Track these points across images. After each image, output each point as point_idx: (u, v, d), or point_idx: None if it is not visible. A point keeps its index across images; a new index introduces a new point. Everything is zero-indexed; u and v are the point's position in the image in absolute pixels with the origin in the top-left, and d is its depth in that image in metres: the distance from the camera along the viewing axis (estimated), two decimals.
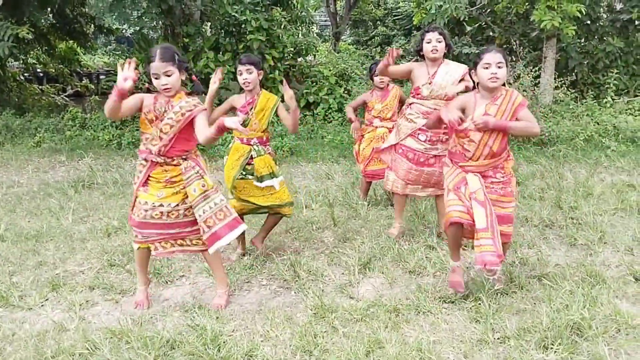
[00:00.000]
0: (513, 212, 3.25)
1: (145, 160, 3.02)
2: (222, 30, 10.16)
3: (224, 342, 2.76)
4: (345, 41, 24.76)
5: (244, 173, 3.73)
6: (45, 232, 4.41)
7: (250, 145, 3.74)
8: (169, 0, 9.24)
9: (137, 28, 10.00)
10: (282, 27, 10.53)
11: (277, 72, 9.89)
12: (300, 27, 11.49)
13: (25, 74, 14.01)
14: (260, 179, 3.75)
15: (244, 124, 3.50)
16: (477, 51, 9.66)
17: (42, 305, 3.25)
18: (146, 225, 3.03)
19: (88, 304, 3.27)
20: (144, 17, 9.75)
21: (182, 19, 10.07)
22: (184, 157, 3.03)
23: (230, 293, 3.36)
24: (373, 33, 24.63)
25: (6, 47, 8.23)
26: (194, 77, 3.15)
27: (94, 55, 18.71)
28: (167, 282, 3.58)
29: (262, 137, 3.76)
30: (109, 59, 17.73)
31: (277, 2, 11.10)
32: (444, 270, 3.62)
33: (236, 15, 9.66)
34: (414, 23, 12.51)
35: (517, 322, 2.91)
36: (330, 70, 10.13)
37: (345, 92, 10.01)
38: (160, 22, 10.00)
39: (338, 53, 15.73)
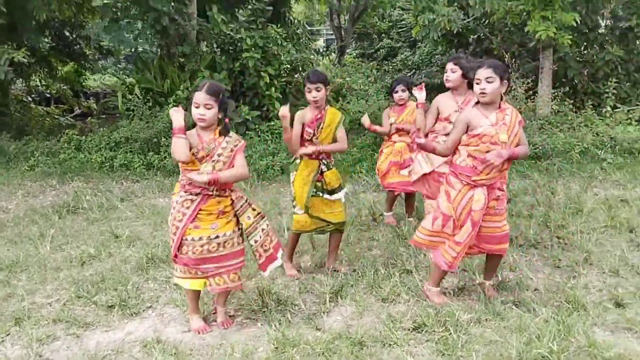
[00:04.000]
0: (508, 229, 3.37)
1: (197, 194, 3.07)
2: (218, 49, 10.18)
3: None
4: (350, 54, 24.79)
5: (314, 190, 3.84)
6: (21, 261, 4.36)
7: (319, 160, 3.83)
8: (162, 21, 9.29)
9: (133, 49, 10.05)
10: (279, 44, 10.52)
11: (273, 89, 9.85)
12: (296, 44, 11.47)
13: (33, 96, 14.19)
14: (332, 192, 3.90)
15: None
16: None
17: (2, 341, 3.19)
18: (204, 261, 3.11)
19: (49, 339, 3.19)
20: (139, 38, 9.82)
21: (178, 39, 10.11)
22: (232, 188, 3.20)
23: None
24: (378, 46, 24.63)
25: (2, 71, 8.29)
26: (227, 119, 3.16)
27: (104, 75, 18.92)
28: (132, 314, 3.49)
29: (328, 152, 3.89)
30: (110, 78, 17.92)
31: (273, 20, 11.10)
32: (418, 296, 3.50)
33: (231, 33, 9.67)
34: (413, 35, 12.46)
35: (484, 356, 2.78)
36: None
37: (341, 108, 9.94)
38: (155, 42, 10.05)
39: (343, 67, 15.71)
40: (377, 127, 5.06)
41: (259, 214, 3.30)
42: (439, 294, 3.45)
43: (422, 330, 3.08)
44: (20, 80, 12.76)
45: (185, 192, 3.12)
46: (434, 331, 3.06)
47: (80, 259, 4.38)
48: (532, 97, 8.42)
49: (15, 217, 5.70)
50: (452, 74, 4.11)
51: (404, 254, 4.22)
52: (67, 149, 8.50)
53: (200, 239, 3.08)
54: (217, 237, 3.11)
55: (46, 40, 10.71)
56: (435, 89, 10.28)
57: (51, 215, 5.66)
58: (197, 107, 3.03)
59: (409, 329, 3.11)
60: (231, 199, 3.18)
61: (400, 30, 22.63)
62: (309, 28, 30.35)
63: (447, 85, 4.19)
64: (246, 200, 3.27)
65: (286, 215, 5.33)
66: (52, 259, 4.45)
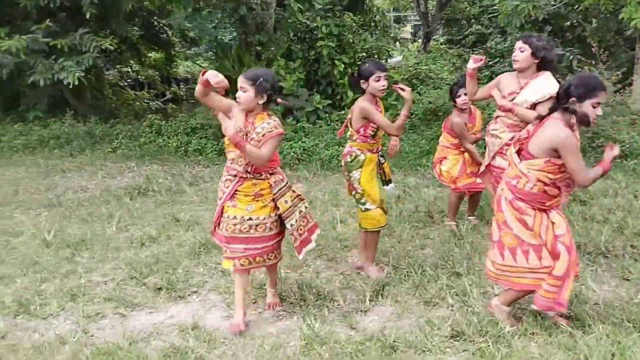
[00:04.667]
0: None
1: (234, 176, 3.15)
2: (295, 38, 10.24)
3: None
4: (437, 41, 24.05)
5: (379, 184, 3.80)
6: (87, 240, 4.65)
7: (377, 153, 3.80)
8: (240, 10, 9.47)
9: (212, 38, 10.34)
10: (354, 32, 10.40)
11: (347, 77, 9.76)
12: (374, 31, 11.27)
13: (128, 81, 15.08)
14: (387, 182, 3.86)
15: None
16: (562, 52, 8.91)
17: (56, 315, 3.41)
18: (234, 240, 3.16)
19: (97, 317, 3.38)
20: (218, 27, 10.08)
21: (255, 28, 10.28)
22: (271, 172, 3.19)
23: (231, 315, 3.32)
24: (467, 32, 23.66)
25: (91, 57, 8.83)
26: (279, 100, 3.26)
27: (195, 62, 19.69)
28: (178, 298, 3.61)
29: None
30: (208, 64, 18.59)
31: (351, 7, 10.97)
32: (463, 301, 3.32)
33: (307, 22, 9.68)
34: (499, 23, 11.79)
35: None
36: (400, 75, 9.83)
37: (415, 98, 9.66)
38: (234, 31, 10.27)
39: (428, 53, 15.27)
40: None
41: (297, 196, 3.30)
42: (509, 314, 3.08)
43: (461, 339, 2.92)
44: (107, 67, 13.58)
45: (227, 172, 3.21)
46: (473, 341, 2.89)
47: (140, 241, 4.59)
48: (624, 90, 7.69)
49: (91, 197, 6.08)
50: (521, 53, 3.71)
51: (457, 255, 4.02)
52: (148, 133, 8.92)
53: (235, 217, 3.14)
54: (250, 219, 3.14)
55: (135, 29, 11.26)
56: None
57: (123, 196, 5.98)
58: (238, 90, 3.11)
59: (446, 336, 2.96)
60: (269, 183, 3.17)
61: (491, 15, 21.53)
62: (394, 14, 29.75)
63: (515, 66, 3.79)
64: (286, 184, 3.26)
65: (343, 208, 5.27)
66: (115, 239, 4.70)
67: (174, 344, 2.97)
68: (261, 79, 3.05)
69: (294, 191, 3.29)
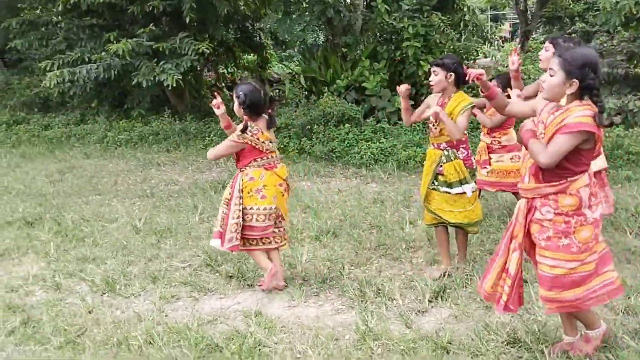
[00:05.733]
0: (565, 274, 2.52)
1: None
2: (381, 39, 10.28)
3: (258, 354, 2.88)
4: (536, 40, 22.95)
5: (435, 183, 3.74)
6: (172, 228, 5.02)
7: (441, 150, 3.73)
8: (328, 12, 9.68)
9: (299, 41, 10.65)
10: (442, 32, 10.24)
11: None
12: (464, 31, 11.02)
13: (225, 82, 15.93)
14: (450, 185, 3.71)
15: None
16: None
17: (138, 295, 3.75)
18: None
19: (173, 299, 3.67)
20: (306, 30, 10.38)
21: (342, 30, 10.45)
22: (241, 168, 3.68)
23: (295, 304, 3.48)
24: (570, 30, 22.33)
25: (189, 60, 9.45)
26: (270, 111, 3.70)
27: (290, 63, 20.38)
28: (247, 286, 3.83)
29: (451, 141, 3.68)
30: (296, 66, 19.21)
31: (440, 7, 10.81)
32: (525, 309, 3.23)
33: (394, 22, 9.69)
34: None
35: None
36: (488, 76, 9.53)
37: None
38: (321, 34, 10.52)
39: (526, 53, 14.68)
40: None
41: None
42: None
43: (517, 346, 2.86)
44: (208, 69, 14.36)
45: None
46: (529, 348, 2.82)
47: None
48: None
49: (180, 189, 6.54)
50: (545, 52, 3.77)
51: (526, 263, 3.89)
52: None
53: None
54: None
55: (230, 32, 11.87)
56: (616, 81, 9.11)
57: (208, 190, 6.37)
58: None
59: (502, 342, 2.91)
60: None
61: (597, 12, 20.20)
62: (492, 13, 28.72)
63: (540, 65, 3.81)
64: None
65: (414, 209, 5.27)
66: (197, 228, 5.04)
67: (237, 328, 3.18)
68: (241, 94, 3.51)
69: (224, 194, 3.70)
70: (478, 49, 10.43)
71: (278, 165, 3.70)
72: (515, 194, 4.74)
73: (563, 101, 2.55)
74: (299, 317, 3.36)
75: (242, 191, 3.57)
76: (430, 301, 3.43)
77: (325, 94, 9.18)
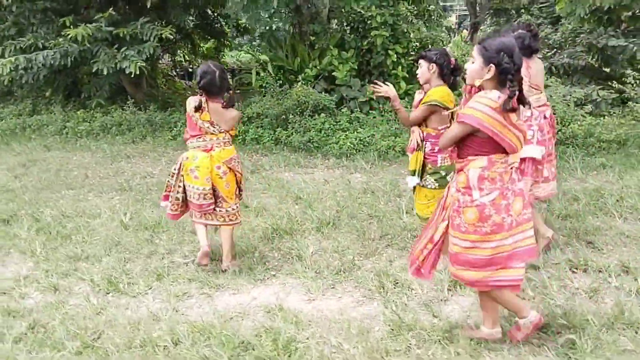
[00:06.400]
0: (460, 252, 2.65)
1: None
2: (348, 27, 10.24)
3: (295, 349, 2.81)
4: (484, 31, 23.62)
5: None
6: (162, 223, 4.82)
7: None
8: None
9: (267, 27, 10.44)
10: (409, 21, 10.33)
11: (400, 67, 9.73)
12: (428, 21, 11.17)
13: (177, 70, 15.40)
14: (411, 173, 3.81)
15: None
16: (625, 43, 8.62)
17: (145, 294, 3.57)
18: None
19: (184, 296, 3.52)
20: (273, 17, 10.18)
21: (310, 18, 10.33)
22: None
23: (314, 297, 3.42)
24: (515, 22, 23.13)
25: (151, 47, 9.05)
26: (231, 92, 3.82)
27: (240, 52, 19.96)
28: (257, 281, 3.72)
29: (428, 132, 3.73)
30: (251, 57, 18.90)
31: None
32: (544, 294, 3.32)
33: (362, 11, 9.66)
34: (558, 10, 11.48)
35: None
36: None
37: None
38: (288, 21, 10.35)
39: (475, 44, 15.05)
40: None
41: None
42: None
43: (547, 331, 2.92)
44: (167, 55, 13.85)
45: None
46: (560, 332, 2.89)
47: (214, 225, 4.72)
48: None
49: (158, 182, 6.28)
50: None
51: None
52: None
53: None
54: None
55: (190, 18, 11.48)
56: (578, 71, 9.49)
57: None
58: None
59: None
60: None
61: (541, 5, 21.02)
62: (441, 4, 29.28)
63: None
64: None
65: (405, 198, 5.29)
66: (189, 222, 4.84)
67: (263, 324, 3.08)
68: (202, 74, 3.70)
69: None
70: (443, 40, 10.56)
71: (216, 149, 3.76)
72: None
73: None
74: (321, 311, 3.29)
75: (180, 168, 3.81)
76: (449, 290, 3.45)
77: (299, 83, 9.05)
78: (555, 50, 13.08)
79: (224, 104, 3.73)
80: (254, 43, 14.91)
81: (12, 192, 5.83)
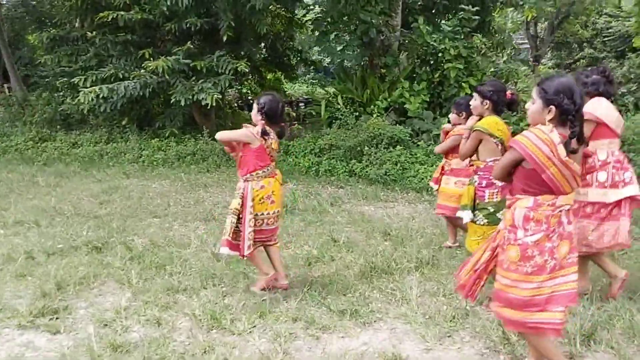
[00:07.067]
0: (501, 289, 2.66)
1: None
2: (419, 60, 10.13)
3: None
4: (545, 64, 23.12)
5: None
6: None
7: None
8: (370, 33, 9.51)
9: (339, 60, 10.46)
10: (482, 53, 10.13)
11: None
12: (501, 53, 10.93)
13: (239, 102, 15.68)
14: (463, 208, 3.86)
15: None
16: None
17: (249, 332, 3.41)
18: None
19: (291, 337, 3.34)
20: (345, 50, 10.20)
21: (382, 50, 10.29)
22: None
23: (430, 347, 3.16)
24: (578, 55, 22.55)
25: (226, 79, 9.20)
26: (283, 124, 4.05)
27: (294, 84, 20.26)
28: (364, 324, 3.50)
29: (478, 166, 3.82)
30: (307, 87, 19.07)
31: (478, 29, 10.73)
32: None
33: (434, 44, 9.54)
34: (634, 45, 11.07)
35: None
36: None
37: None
38: (360, 54, 10.34)
39: (537, 77, 14.68)
40: None
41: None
42: None
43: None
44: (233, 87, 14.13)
45: None
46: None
47: (306, 260, 4.58)
48: None
49: None
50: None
51: None
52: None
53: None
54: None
55: (261, 51, 11.68)
56: None
57: None
58: None
59: None
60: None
61: (605, 39, 20.46)
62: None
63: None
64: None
65: None
66: (284, 256, 4.71)
67: None
68: (262, 104, 3.79)
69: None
70: (518, 72, 10.28)
71: (277, 172, 3.99)
72: (451, 220, 4.77)
73: None
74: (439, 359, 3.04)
75: (253, 200, 3.76)
76: (582, 344, 3.13)
77: (374, 115, 8.95)
78: (618, 83, 12.60)
79: (277, 133, 3.95)
80: (317, 75, 15.05)
81: (99, 218, 5.88)
